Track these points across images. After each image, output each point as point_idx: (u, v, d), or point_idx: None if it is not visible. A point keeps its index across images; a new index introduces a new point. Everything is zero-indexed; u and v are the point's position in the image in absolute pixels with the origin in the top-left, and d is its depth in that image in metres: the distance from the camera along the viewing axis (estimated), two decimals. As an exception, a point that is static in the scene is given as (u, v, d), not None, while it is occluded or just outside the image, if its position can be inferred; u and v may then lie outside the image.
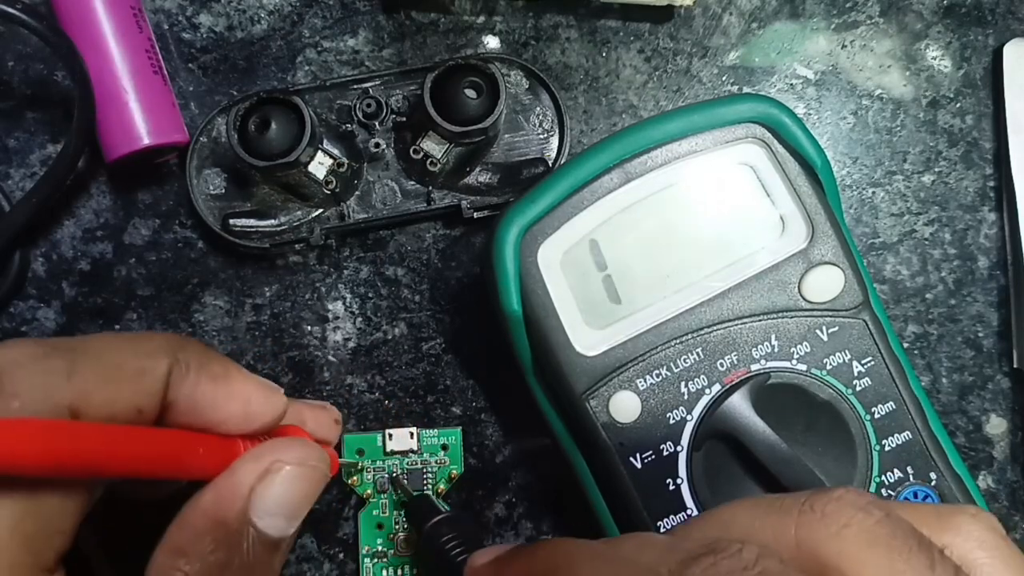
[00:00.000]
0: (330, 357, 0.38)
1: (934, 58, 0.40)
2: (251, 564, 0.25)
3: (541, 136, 0.38)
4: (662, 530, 0.32)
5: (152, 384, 0.24)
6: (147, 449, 0.23)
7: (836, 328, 0.32)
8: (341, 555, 0.38)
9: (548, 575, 0.23)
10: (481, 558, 0.26)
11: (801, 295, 0.32)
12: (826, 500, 0.21)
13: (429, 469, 0.37)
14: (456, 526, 0.33)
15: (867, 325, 0.32)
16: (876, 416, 0.32)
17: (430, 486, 0.37)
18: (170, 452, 0.24)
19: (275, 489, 0.25)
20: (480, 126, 0.35)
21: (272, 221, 0.37)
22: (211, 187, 0.38)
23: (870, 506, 0.20)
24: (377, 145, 0.37)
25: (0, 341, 0.38)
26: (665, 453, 0.32)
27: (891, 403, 0.32)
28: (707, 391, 0.32)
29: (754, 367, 0.32)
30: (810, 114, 0.40)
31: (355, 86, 0.38)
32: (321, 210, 0.38)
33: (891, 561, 0.19)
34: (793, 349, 0.32)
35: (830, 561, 0.20)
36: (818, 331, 0.32)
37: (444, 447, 0.37)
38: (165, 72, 0.38)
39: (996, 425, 0.39)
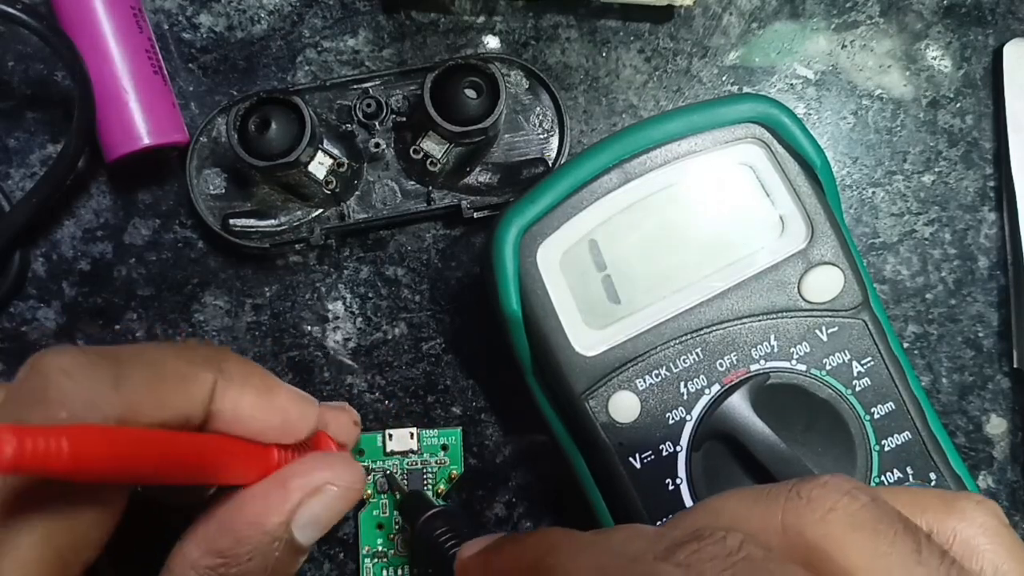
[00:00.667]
0: (331, 356, 0.38)
1: (934, 58, 0.40)
2: (277, 567, 0.26)
3: (541, 136, 0.38)
4: (662, 530, 0.32)
5: (199, 393, 0.24)
6: (196, 455, 0.24)
7: (836, 328, 0.32)
8: (341, 555, 0.38)
9: (535, 564, 0.23)
10: (470, 549, 0.27)
11: (801, 295, 0.32)
12: (812, 486, 0.21)
13: (429, 469, 0.37)
14: (450, 520, 0.33)
15: (867, 325, 0.32)
16: (876, 416, 0.32)
17: (430, 486, 0.37)
18: (217, 458, 0.25)
19: (319, 506, 0.26)
20: (480, 126, 0.35)
21: (272, 221, 0.37)
22: (211, 187, 0.38)
23: (856, 491, 0.20)
24: (377, 145, 0.37)
25: (10, 342, 0.38)
26: (664, 453, 0.32)
27: (891, 403, 0.32)
28: (707, 391, 0.32)
29: (753, 367, 0.32)
30: (810, 114, 0.40)
31: (355, 86, 0.38)
32: (321, 210, 0.38)
33: (876, 544, 0.19)
34: (793, 349, 0.32)
35: (816, 544, 0.20)
36: (818, 331, 0.32)
37: (444, 447, 0.37)
38: (165, 72, 0.38)
39: (996, 425, 0.39)
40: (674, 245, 0.33)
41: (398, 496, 0.37)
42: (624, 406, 0.32)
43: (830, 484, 0.21)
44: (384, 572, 0.37)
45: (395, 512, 0.37)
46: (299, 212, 0.38)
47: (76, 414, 0.21)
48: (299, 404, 0.27)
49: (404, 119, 0.37)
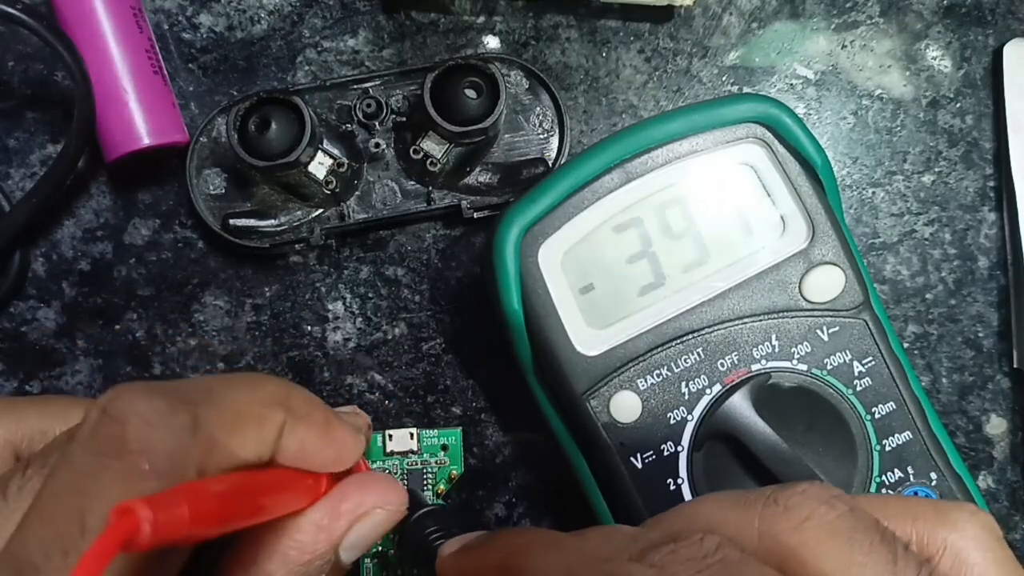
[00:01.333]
0: (330, 356, 0.38)
1: (934, 58, 0.40)
2: None
3: (541, 136, 0.38)
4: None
5: (271, 434, 0.24)
6: (264, 494, 0.24)
7: (836, 328, 0.32)
8: (341, 555, 0.38)
9: (504, 563, 0.23)
10: (449, 548, 0.27)
11: (802, 295, 0.32)
12: (790, 493, 0.21)
13: (429, 469, 0.37)
14: (440, 519, 0.32)
15: (867, 325, 0.32)
16: (876, 416, 0.32)
17: (430, 486, 0.37)
18: (279, 494, 0.25)
19: (366, 529, 0.27)
20: (480, 126, 0.35)
21: (272, 221, 0.37)
22: (211, 187, 0.38)
23: (834, 500, 0.20)
24: (377, 145, 0.37)
25: (10, 342, 0.38)
26: (666, 453, 0.32)
27: (891, 403, 0.32)
28: (708, 391, 0.32)
29: (755, 367, 0.32)
30: (810, 114, 0.40)
31: (355, 86, 0.38)
32: (321, 210, 0.38)
33: (851, 553, 0.19)
34: (794, 349, 0.32)
35: (791, 551, 0.20)
36: (818, 331, 0.32)
37: (444, 447, 0.37)
38: (165, 72, 0.38)
39: (996, 425, 0.39)
40: (675, 245, 0.33)
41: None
42: (625, 406, 0.32)
43: (808, 492, 0.21)
44: (384, 572, 0.37)
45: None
46: (299, 212, 0.38)
47: (157, 465, 0.21)
48: (352, 437, 0.27)
49: (404, 119, 0.37)
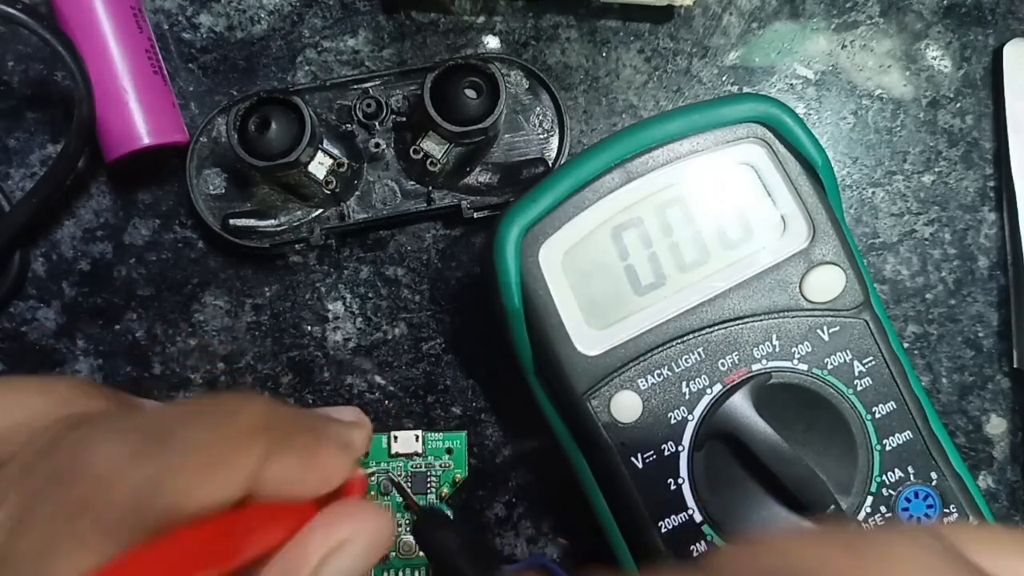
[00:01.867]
0: (330, 356, 0.38)
1: (934, 58, 0.40)
2: None
3: (541, 136, 0.38)
4: (663, 530, 0.32)
5: (245, 470, 0.23)
6: (236, 536, 0.22)
7: (837, 328, 0.32)
8: (341, 555, 0.38)
9: None
10: None
11: (802, 295, 0.32)
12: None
13: (433, 472, 0.37)
14: (471, 547, 0.32)
15: (868, 325, 0.32)
16: (877, 416, 0.32)
17: (434, 489, 0.37)
18: (260, 535, 0.23)
19: (345, 561, 0.24)
20: (480, 126, 0.35)
21: (272, 221, 0.37)
22: (211, 187, 0.38)
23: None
24: (377, 145, 0.37)
25: (10, 342, 0.38)
26: (666, 453, 0.32)
27: (892, 403, 0.32)
28: (708, 391, 0.32)
29: (755, 367, 0.32)
30: (810, 114, 0.40)
31: (355, 86, 0.38)
32: (321, 210, 0.38)
33: None
34: (794, 349, 0.32)
35: None
36: (819, 331, 0.32)
37: (449, 451, 0.37)
38: (165, 72, 0.38)
39: (996, 425, 0.39)
40: (675, 245, 0.33)
41: (403, 502, 0.37)
42: (626, 406, 0.32)
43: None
44: (385, 574, 0.37)
45: (397, 515, 0.37)
46: (299, 212, 0.38)
47: (124, 520, 0.20)
48: (338, 455, 0.26)
49: (404, 119, 0.37)
